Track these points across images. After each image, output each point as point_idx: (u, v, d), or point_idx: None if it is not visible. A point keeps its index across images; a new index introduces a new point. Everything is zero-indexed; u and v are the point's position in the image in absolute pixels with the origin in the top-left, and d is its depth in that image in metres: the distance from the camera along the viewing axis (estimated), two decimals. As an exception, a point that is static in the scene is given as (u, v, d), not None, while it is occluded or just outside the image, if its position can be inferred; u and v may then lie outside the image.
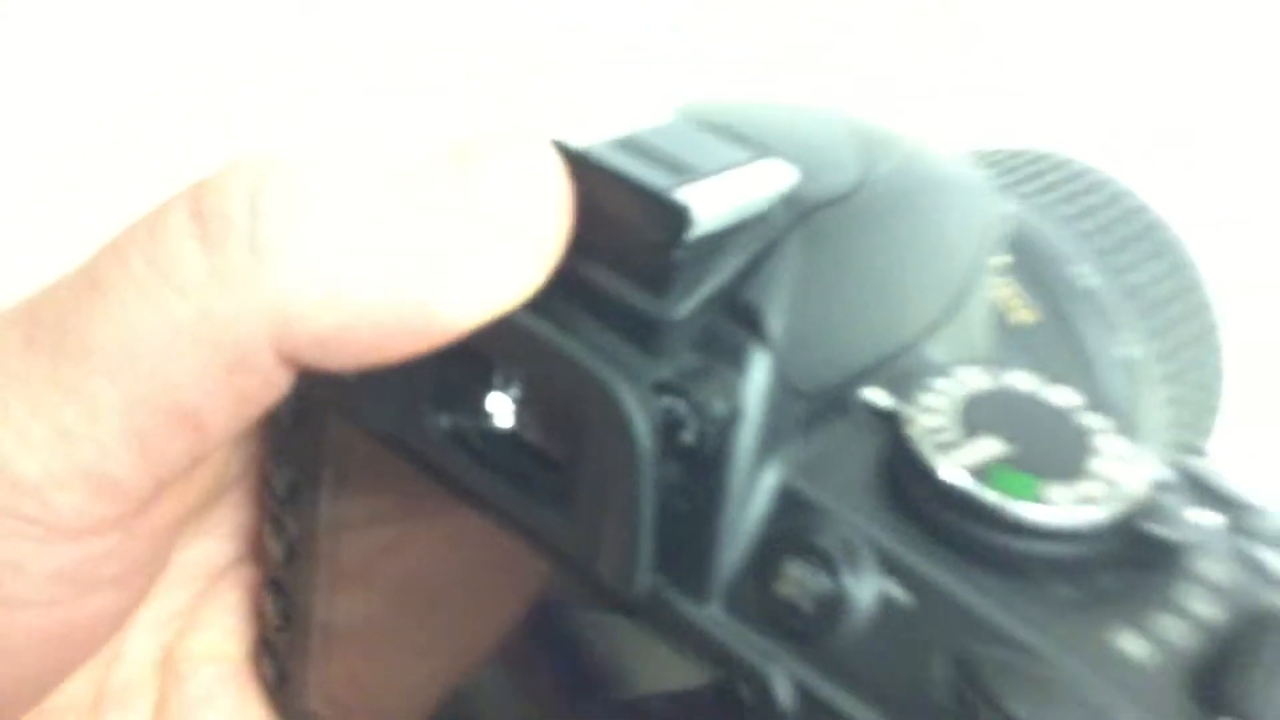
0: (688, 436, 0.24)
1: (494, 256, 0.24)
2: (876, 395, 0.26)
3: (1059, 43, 0.56)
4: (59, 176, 0.58)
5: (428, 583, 0.30)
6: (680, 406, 0.24)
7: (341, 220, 0.23)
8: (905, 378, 0.26)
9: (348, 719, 0.33)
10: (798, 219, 0.25)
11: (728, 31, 0.57)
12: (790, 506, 0.24)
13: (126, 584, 0.27)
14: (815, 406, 0.25)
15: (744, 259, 0.25)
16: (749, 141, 0.26)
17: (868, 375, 0.26)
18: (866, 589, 0.23)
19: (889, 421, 0.25)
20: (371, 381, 0.27)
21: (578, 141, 0.25)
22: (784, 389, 0.24)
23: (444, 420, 0.27)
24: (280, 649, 0.33)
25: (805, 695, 0.23)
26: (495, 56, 0.57)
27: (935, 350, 0.28)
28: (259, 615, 0.34)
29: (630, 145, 0.25)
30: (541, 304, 0.24)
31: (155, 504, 0.26)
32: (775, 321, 0.24)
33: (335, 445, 0.30)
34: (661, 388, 0.24)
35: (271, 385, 0.24)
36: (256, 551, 0.33)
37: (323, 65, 0.58)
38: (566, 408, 0.25)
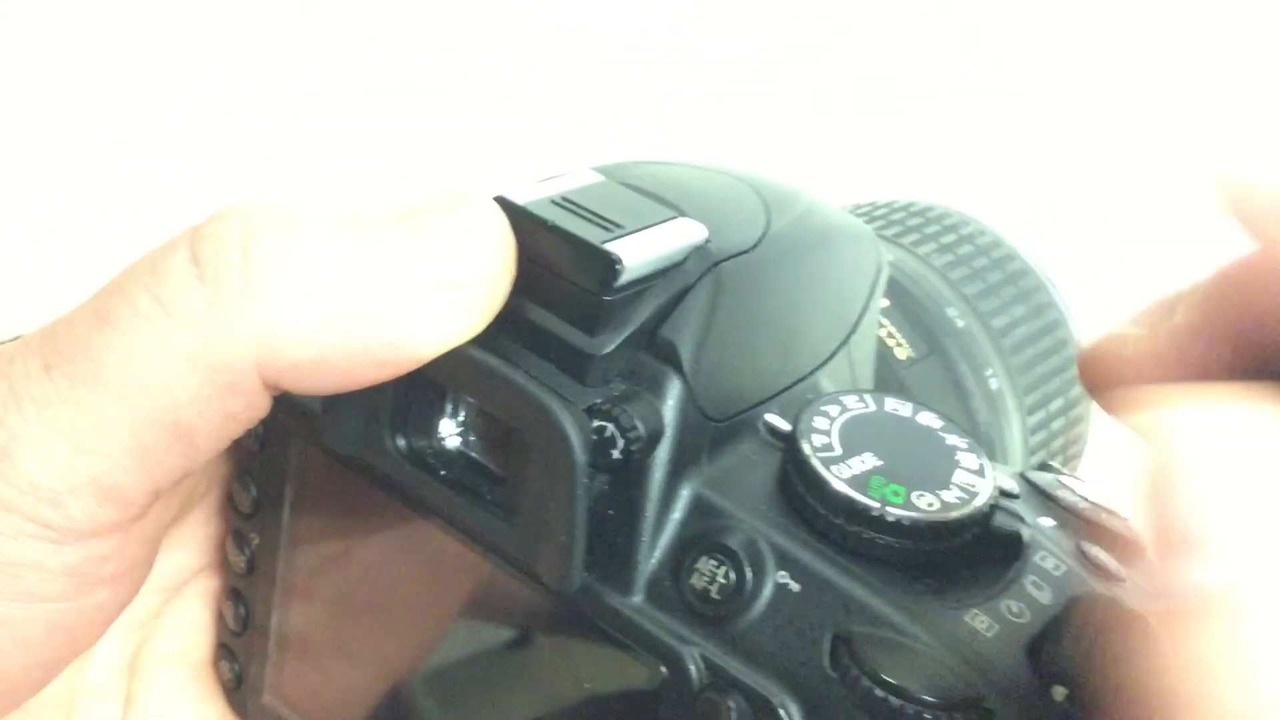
0: (615, 453, 0.28)
1: (449, 298, 0.28)
2: (775, 419, 0.30)
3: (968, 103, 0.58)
4: (58, 176, 0.59)
5: (377, 591, 0.33)
6: (609, 427, 0.28)
7: (319, 266, 0.27)
8: (800, 404, 0.30)
9: (301, 715, 0.36)
10: (707, 269, 0.30)
11: (726, 31, 0.57)
12: (701, 512, 0.28)
13: (121, 582, 0.30)
14: (723, 428, 0.29)
15: (661, 303, 0.29)
16: (665, 201, 0.30)
17: (768, 402, 0.31)
18: (765, 580, 0.27)
19: (786, 440, 0.29)
20: (336, 410, 0.31)
21: (520, 198, 0.29)
22: (696, 413, 0.29)
23: (400, 442, 0.31)
24: (239, 652, 0.37)
25: (713, 669, 0.27)
26: (495, 56, 0.58)
27: (825, 381, 0.32)
28: (219, 621, 0.37)
29: (565, 203, 0.29)
30: (490, 338, 0.28)
31: (149, 512, 0.30)
32: (688, 356, 0.29)
33: (296, 467, 0.34)
34: (593, 411, 0.28)
35: (255, 407, 0.28)
36: (217, 563, 0.37)
37: (323, 66, 0.59)
38: (510, 429, 0.29)
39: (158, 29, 0.59)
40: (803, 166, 0.33)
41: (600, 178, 0.31)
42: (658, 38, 0.56)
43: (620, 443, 0.28)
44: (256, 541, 0.35)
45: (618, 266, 0.28)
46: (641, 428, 0.28)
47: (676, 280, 0.29)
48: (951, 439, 0.29)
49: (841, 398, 0.29)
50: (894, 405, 0.30)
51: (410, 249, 0.28)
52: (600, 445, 0.28)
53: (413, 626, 0.33)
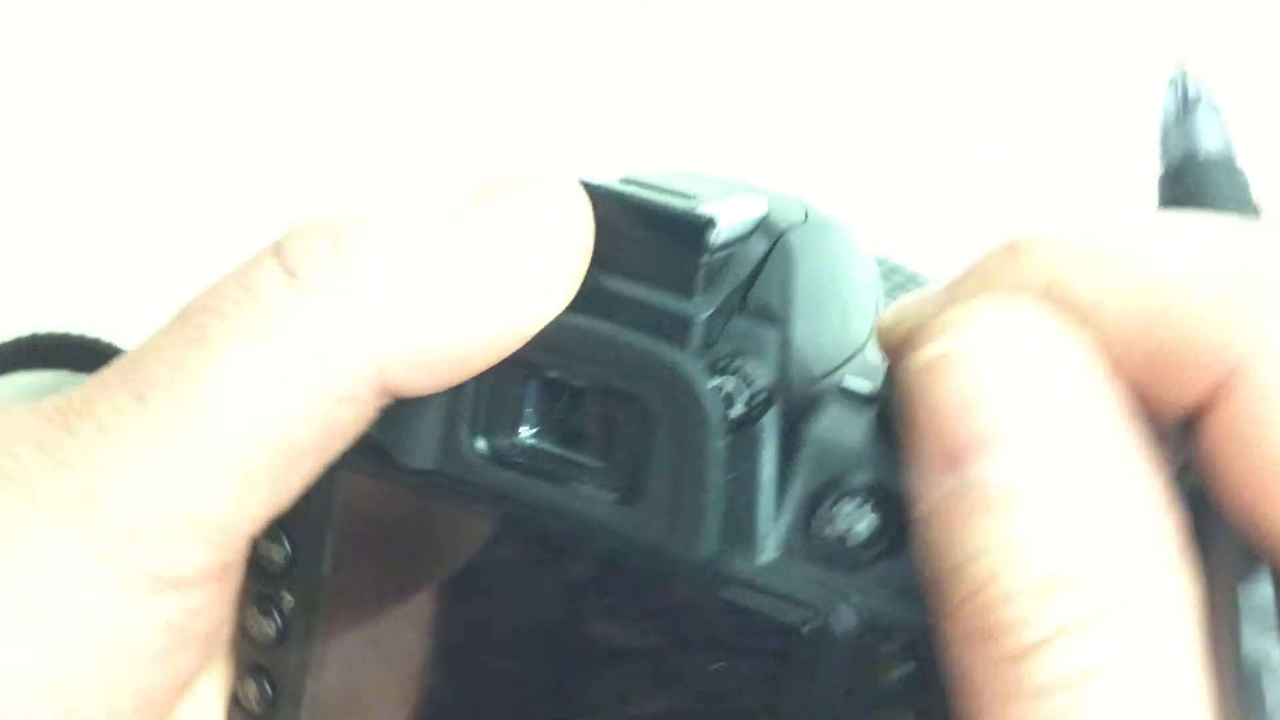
0: (737, 409, 0.27)
1: (543, 270, 0.27)
2: (855, 381, 0.30)
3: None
4: (59, 176, 0.56)
5: (456, 622, 0.31)
6: (728, 384, 0.27)
7: (416, 259, 0.27)
8: (867, 369, 0.31)
9: None
10: (777, 238, 0.30)
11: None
12: (823, 462, 0.28)
13: (211, 640, 0.28)
14: (815, 390, 0.30)
15: (749, 267, 0.29)
16: (705, 188, 0.31)
17: (843, 366, 0.31)
18: (896, 518, 0.27)
19: (872, 400, 0.29)
20: (405, 421, 0.29)
21: (591, 180, 0.29)
22: (797, 371, 0.29)
23: (481, 444, 0.29)
24: None
25: (868, 615, 0.27)
26: (501, 63, 0.57)
27: (872, 352, 0.33)
28: (235, 706, 0.34)
29: (634, 183, 0.30)
30: (585, 315, 0.28)
31: (235, 562, 0.27)
32: (785, 317, 0.29)
33: (343, 506, 0.31)
34: (710, 370, 0.28)
35: (363, 416, 0.27)
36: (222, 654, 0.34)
37: (325, 67, 0.57)
38: (607, 410, 0.28)
39: (158, 29, 0.57)
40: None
41: (633, 176, 0.31)
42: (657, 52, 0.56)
43: (742, 397, 0.27)
44: (291, 603, 0.33)
45: (713, 227, 0.28)
46: (761, 382, 0.28)
47: (754, 246, 0.30)
48: None
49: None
50: None
51: (495, 226, 0.27)
52: (723, 404, 0.27)
53: (512, 653, 0.31)
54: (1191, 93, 0.29)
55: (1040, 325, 0.22)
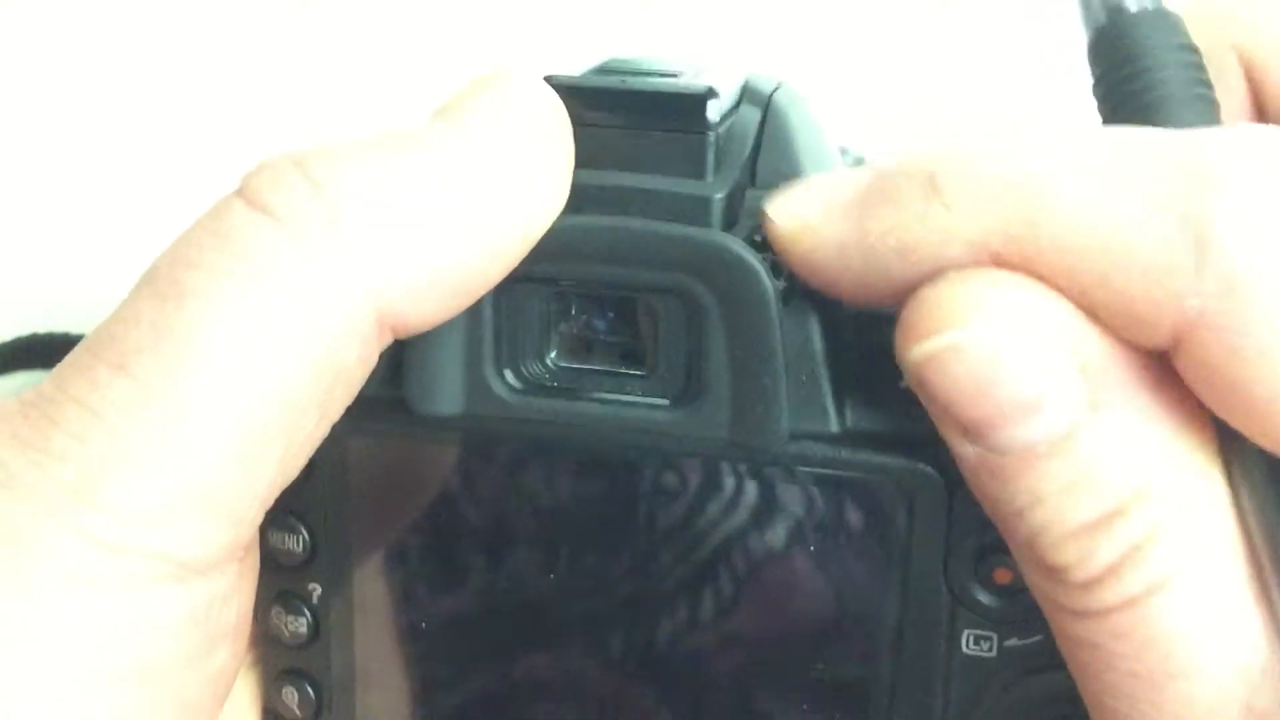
0: (782, 282, 0.26)
1: (521, 167, 0.25)
2: None
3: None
4: (59, 177, 0.54)
5: (521, 573, 0.29)
6: (769, 257, 0.26)
7: (394, 180, 0.24)
8: None
9: None
10: (766, 102, 0.29)
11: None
12: (874, 327, 0.27)
13: (238, 636, 0.25)
14: None
15: (749, 137, 0.28)
16: (681, 65, 0.29)
17: None
18: None
19: None
20: (424, 368, 0.27)
21: (563, 76, 0.27)
22: None
23: (509, 375, 0.27)
24: None
25: (953, 472, 0.26)
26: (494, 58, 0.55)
27: None
28: (274, 718, 0.31)
29: (609, 71, 0.28)
30: (597, 216, 0.26)
31: (252, 543, 0.25)
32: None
33: (361, 477, 0.29)
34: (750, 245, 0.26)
35: (368, 358, 0.24)
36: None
37: (324, 69, 0.55)
38: (666, 293, 0.26)
39: (157, 29, 0.55)
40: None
41: (604, 59, 0.29)
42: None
43: (784, 271, 0.26)
44: (319, 593, 0.30)
45: (714, 98, 0.26)
46: None
47: (747, 116, 0.28)
48: None
49: None
50: None
51: (464, 134, 0.25)
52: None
53: (587, 587, 0.29)
54: None
55: (1022, 300, 0.22)
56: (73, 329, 0.44)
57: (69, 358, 0.23)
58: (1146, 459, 0.22)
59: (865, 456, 0.26)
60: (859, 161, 0.43)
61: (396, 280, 0.24)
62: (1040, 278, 0.22)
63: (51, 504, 0.22)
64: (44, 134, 0.55)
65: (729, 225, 0.27)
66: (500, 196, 0.25)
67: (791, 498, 0.27)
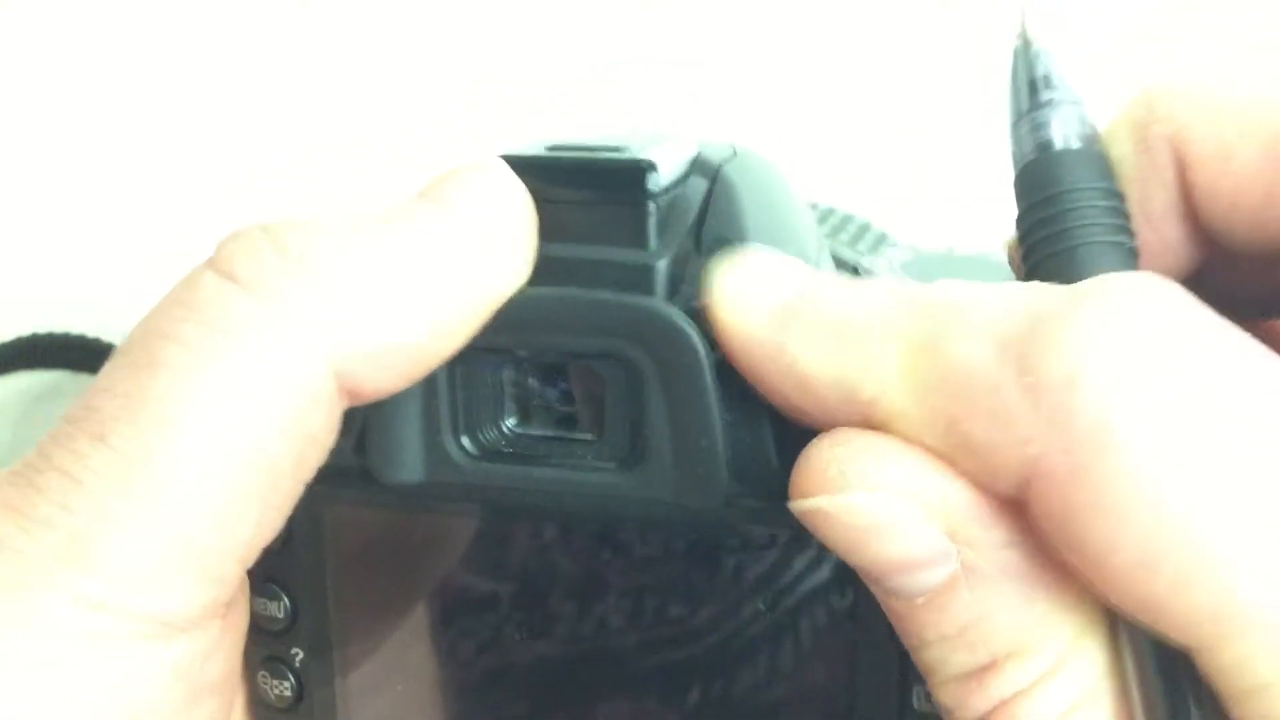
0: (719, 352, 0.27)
1: (487, 251, 0.26)
2: None
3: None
4: (59, 177, 0.55)
5: (481, 629, 0.30)
6: (706, 325, 0.27)
7: (360, 252, 0.25)
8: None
9: None
10: (714, 174, 0.29)
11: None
12: None
13: (224, 689, 0.26)
14: None
15: (694, 208, 0.29)
16: (632, 139, 0.30)
17: None
18: None
19: None
20: (386, 439, 0.28)
21: (521, 153, 0.28)
22: None
23: (465, 442, 0.28)
24: None
25: None
26: (492, 59, 0.56)
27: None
28: None
29: (560, 148, 0.29)
30: (545, 287, 0.27)
31: (236, 600, 0.26)
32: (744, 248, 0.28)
33: (335, 543, 0.30)
34: (686, 313, 0.27)
35: (331, 425, 0.25)
36: None
37: (325, 69, 0.57)
38: (609, 361, 0.27)
39: (157, 29, 0.56)
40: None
41: (556, 140, 0.30)
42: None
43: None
44: (301, 657, 0.31)
45: (653, 171, 0.27)
46: None
47: (693, 186, 0.29)
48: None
49: (899, 248, 0.30)
50: (959, 248, 0.30)
51: (433, 212, 0.26)
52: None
53: (541, 641, 0.30)
54: (1039, 68, 0.27)
55: (893, 469, 0.23)
56: (73, 329, 0.46)
57: (53, 430, 0.25)
58: (1020, 617, 0.23)
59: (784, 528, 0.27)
60: (827, 214, 0.44)
61: (356, 347, 0.25)
62: (904, 428, 0.23)
63: (39, 566, 0.23)
64: (45, 135, 0.56)
65: (672, 293, 0.28)
66: (461, 275, 0.26)
67: (739, 557, 0.27)
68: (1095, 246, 0.25)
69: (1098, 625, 0.23)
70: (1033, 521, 0.22)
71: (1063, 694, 0.22)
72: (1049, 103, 0.26)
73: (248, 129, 0.56)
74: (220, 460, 0.24)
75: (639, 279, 0.27)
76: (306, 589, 0.31)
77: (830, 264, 0.35)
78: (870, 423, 0.23)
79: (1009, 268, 0.29)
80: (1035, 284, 0.23)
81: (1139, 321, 0.21)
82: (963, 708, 0.23)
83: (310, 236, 0.25)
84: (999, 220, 0.29)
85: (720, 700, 0.29)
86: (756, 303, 0.25)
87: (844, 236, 0.43)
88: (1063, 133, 0.26)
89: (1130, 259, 0.25)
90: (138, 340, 0.25)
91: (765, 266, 0.26)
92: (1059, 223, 0.25)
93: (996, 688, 0.23)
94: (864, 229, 0.44)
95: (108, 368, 0.25)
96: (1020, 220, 0.26)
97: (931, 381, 0.22)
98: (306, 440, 0.25)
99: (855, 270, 0.37)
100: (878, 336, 0.23)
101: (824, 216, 0.44)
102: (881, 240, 0.44)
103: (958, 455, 0.22)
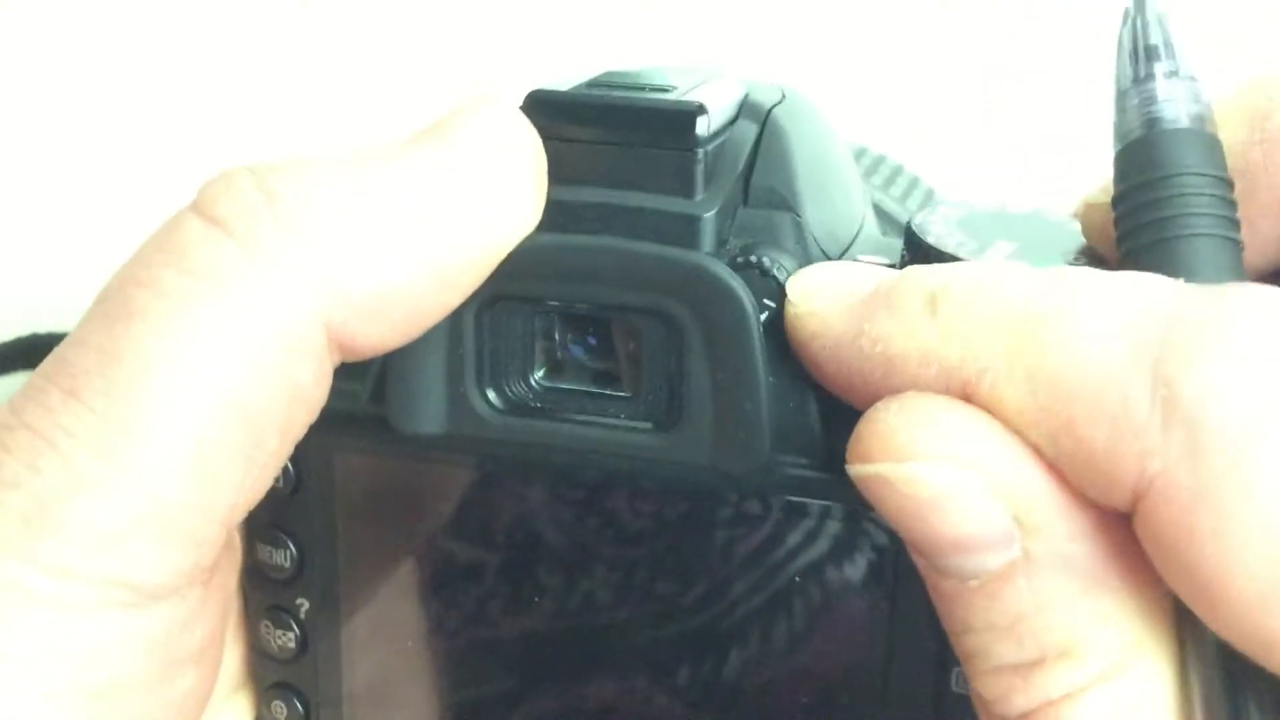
0: (766, 306, 0.25)
1: (495, 191, 0.25)
2: (871, 260, 0.28)
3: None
4: (59, 177, 0.55)
5: (497, 590, 0.29)
6: (754, 279, 0.25)
7: (353, 194, 0.23)
8: (877, 245, 0.29)
9: None
10: (764, 118, 0.28)
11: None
12: None
13: (204, 661, 0.25)
14: None
15: (743, 154, 0.27)
16: (678, 77, 0.28)
17: (853, 245, 0.29)
18: None
19: (913, 248, 0.27)
20: (408, 385, 0.27)
21: (555, 90, 0.26)
22: (820, 254, 0.27)
23: (491, 394, 0.27)
24: None
25: None
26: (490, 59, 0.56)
27: (871, 227, 0.31)
28: None
29: (601, 85, 0.27)
30: (582, 235, 0.25)
31: (219, 565, 0.24)
32: (794, 201, 0.27)
33: (346, 493, 0.29)
34: (734, 267, 0.25)
35: (322, 376, 0.24)
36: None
37: (324, 70, 0.56)
38: (649, 315, 0.25)
39: (156, 28, 0.55)
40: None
41: (599, 73, 0.28)
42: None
43: (769, 293, 0.25)
44: (307, 607, 0.30)
45: (703, 114, 0.26)
46: (784, 274, 0.25)
47: (742, 131, 0.27)
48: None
49: (951, 204, 0.28)
50: (1012, 205, 0.29)
51: (428, 155, 0.25)
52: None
53: (563, 607, 0.28)
54: (1153, 35, 0.24)
55: (963, 441, 0.21)
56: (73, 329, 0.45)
57: (26, 383, 0.23)
58: (1077, 616, 0.21)
59: (834, 494, 0.25)
60: (877, 163, 0.42)
61: (348, 298, 0.23)
62: (1006, 416, 0.21)
63: (4, 531, 0.22)
64: (45, 136, 0.55)
65: (719, 245, 0.26)
66: (463, 220, 0.24)
67: (775, 526, 0.26)
68: (1201, 239, 0.23)
69: (1160, 636, 0.21)
70: (1140, 533, 0.20)
71: (1115, 702, 0.21)
72: (1162, 75, 0.24)
73: (248, 129, 0.54)
74: (200, 418, 0.22)
75: (683, 230, 0.26)
76: (314, 538, 0.29)
77: (873, 218, 0.33)
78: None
79: (1071, 227, 0.28)
80: (1165, 281, 0.21)
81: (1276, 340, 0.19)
82: (1003, 702, 0.22)
83: (300, 178, 0.23)
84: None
85: (747, 677, 0.27)
86: (838, 294, 0.24)
87: (877, 179, 0.41)
88: (1174, 110, 0.24)
89: (1237, 256, 0.23)
90: (114, 289, 0.23)
91: (841, 271, 0.25)
92: (1164, 208, 0.23)
93: (1043, 687, 0.21)
94: (897, 171, 0.43)
95: (84, 318, 0.23)
96: (1119, 200, 0.24)
97: (1047, 375, 0.21)
98: (294, 396, 0.23)
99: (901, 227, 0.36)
100: (984, 315, 0.21)
101: (873, 166, 0.42)
102: (914, 185, 0.43)
103: (1066, 458, 0.21)
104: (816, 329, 0.24)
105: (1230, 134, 0.25)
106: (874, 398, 0.23)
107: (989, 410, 0.21)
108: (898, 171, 0.42)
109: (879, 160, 0.42)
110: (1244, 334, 0.20)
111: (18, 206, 0.55)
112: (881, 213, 0.36)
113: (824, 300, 0.24)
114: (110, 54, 0.55)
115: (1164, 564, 0.20)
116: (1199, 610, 0.20)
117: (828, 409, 0.25)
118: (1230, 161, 0.24)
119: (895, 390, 0.22)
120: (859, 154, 0.42)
